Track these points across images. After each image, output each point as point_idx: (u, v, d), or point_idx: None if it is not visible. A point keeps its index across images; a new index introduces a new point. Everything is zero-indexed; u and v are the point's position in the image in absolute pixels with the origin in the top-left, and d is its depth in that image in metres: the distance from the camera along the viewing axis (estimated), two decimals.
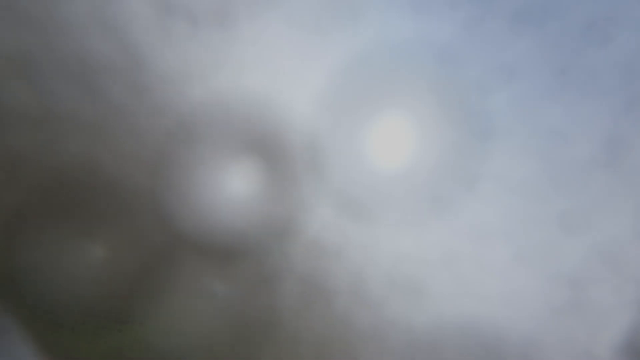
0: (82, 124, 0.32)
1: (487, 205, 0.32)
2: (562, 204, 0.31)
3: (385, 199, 0.32)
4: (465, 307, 0.32)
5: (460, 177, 0.32)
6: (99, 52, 0.31)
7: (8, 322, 0.32)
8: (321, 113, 0.31)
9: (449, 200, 0.32)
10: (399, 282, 0.33)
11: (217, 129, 0.32)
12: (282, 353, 0.33)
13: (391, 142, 0.31)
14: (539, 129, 0.31)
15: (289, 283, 0.33)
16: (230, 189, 0.32)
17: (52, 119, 0.31)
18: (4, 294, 0.32)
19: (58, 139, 0.32)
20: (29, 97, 0.31)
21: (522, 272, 0.32)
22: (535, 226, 0.32)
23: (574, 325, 0.32)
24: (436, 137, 0.31)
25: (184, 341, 0.32)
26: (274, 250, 0.32)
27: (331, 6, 0.30)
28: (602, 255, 0.32)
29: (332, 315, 0.32)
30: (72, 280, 0.32)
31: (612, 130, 0.30)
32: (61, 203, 0.32)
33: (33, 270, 0.32)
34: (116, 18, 0.30)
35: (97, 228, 0.32)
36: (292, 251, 0.32)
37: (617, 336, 0.32)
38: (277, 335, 0.32)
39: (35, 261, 0.32)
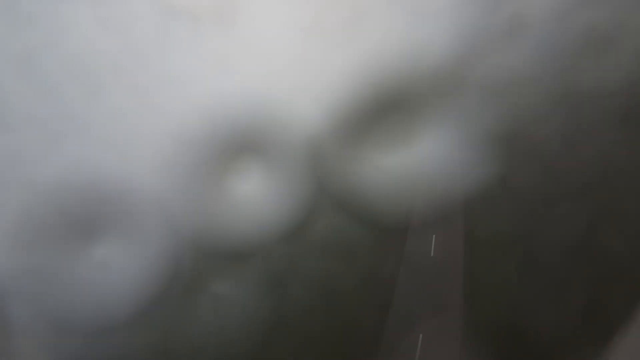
0: (83, 124, 0.32)
1: None
2: None
3: (386, 200, 0.32)
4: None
5: None
6: (100, 53, 0.31)
7: (11, 323, 0.32)
8: (322, 113, 0.31)
9: None
10: None
11: (218, 129, 0.32)
12: (287, 353, 0.33)
13: (391, 143, 0.31)
14: None
15: (293, 284, 0.33)
16: (231, 190, 0.32)
17: (53, 119, 0.31)
18: (6, 295, 0.32)
19: (59, 139, 0.32)
20: (30, 97, 0.31)
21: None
22: None
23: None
24: (437, 134, 0.31)
25: (189, 342, 0.32)
26: (277, 252, 0.32)
27: (332, 8, 0.30)
28: None
29: (335, 317, 0.33)
30: (73, 280, 0.32)
31: None
32: (61, 203, 0.32)
33: (35, 271, 0.32)
34: (118, 20, 0.30)
35: (98, 228, 0.32)
36: (295, 252, 0.32)
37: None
38: (282, 336, 0.33)
39: (36, 262, 0.32)
